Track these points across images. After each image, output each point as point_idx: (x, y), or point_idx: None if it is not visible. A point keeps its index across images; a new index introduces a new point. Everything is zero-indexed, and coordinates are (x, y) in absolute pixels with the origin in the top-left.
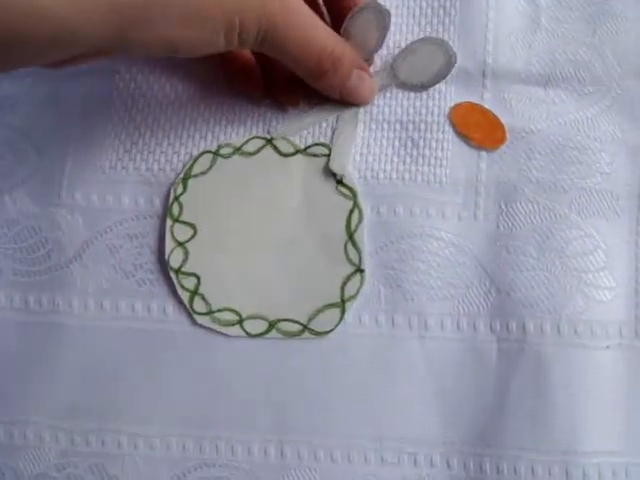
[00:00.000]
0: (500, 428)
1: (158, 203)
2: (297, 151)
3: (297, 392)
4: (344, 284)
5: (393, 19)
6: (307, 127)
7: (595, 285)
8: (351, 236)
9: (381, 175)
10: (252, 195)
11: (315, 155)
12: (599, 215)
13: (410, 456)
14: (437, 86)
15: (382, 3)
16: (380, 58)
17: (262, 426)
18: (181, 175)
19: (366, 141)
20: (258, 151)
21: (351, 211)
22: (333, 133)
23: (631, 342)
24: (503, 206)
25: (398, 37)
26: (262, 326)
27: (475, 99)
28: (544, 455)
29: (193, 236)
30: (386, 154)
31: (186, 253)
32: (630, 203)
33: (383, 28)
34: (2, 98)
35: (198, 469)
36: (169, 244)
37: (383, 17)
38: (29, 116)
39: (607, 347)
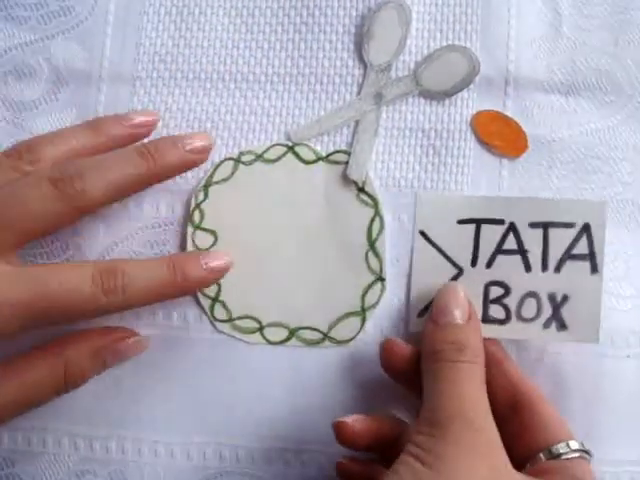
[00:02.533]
0: None
1: (179, 210)
2: (319, 158)
3: (317, 401)
4: (365, 293)
5: (414, 24)
6: (327, 132)
7: (616, 294)
8: (372, 245)
9: (402, 183)
10: (273, 202)
11: (337, 162)
12: (620, 224)
13: None
14: (459, 93)
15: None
16: (403, 64)
17: (282, 435)
18: (202, 182)
19: (388, 148)
20: (279, 158)
21: (372, 219)
22: (353, 139)
23: None
24: None
25: (420, 43)
26: (282, 334)
27: (497, 107)
28: None
29: (214, 243)
30: (408, 162)
31: None
32: None
33: (405, 24)
34: (22, 103)
35: (218, 477)
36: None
37: (405, 13)
38: (49, 121)
39: (627, 356)
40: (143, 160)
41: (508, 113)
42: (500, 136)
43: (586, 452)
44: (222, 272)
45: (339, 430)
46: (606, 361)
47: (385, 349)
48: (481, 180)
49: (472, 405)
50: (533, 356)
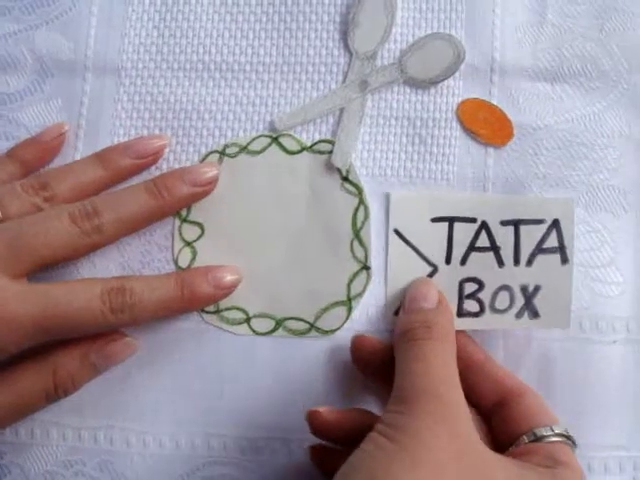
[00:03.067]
0: None
1: None
2: (303, 148)
3: (304, 390)
4: (350, 282)
5: (400, 13)
6: (312, 119)
7: (602, 280)
8: (357, 233)
9: (389, 172)
10: (259, 194)
11: (321, 152)
12: (606, 211)
13: None
14: (445, 82)
15: None
16: (388, 52)
17: (269, 425)
18: None
19: (373, 137)
20: (264, 149)
21: (357, 208)
22: (338, 127)
23: (638, 337)
24: None
25: (405, 31)
26: (269, 325)
27: (483, 95)
28: None
29: (201, 236)
30: (393, 151)
31: (194, 253)
32: (637, 198)
33: (391, 13)
34: (7, 94)
35: (207, 466)
36: (177, 244)
37: (390, 2)
38: (35, 113)
39: (614, 342)
40: (153, 199)
41: (494, 101)
42: (486, 124)
43: (569, 438)
44: (231, 288)
45: (312, 419)
46: (592, 347)
47: (355, 343)
48: (467, 169)
49: (440, 380)
50: (520, 343)
